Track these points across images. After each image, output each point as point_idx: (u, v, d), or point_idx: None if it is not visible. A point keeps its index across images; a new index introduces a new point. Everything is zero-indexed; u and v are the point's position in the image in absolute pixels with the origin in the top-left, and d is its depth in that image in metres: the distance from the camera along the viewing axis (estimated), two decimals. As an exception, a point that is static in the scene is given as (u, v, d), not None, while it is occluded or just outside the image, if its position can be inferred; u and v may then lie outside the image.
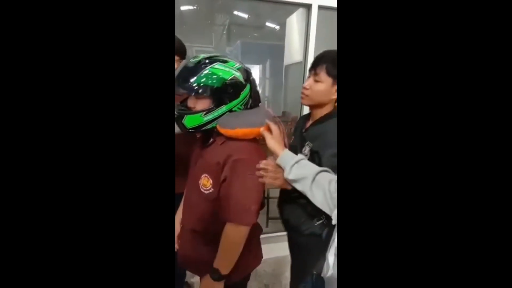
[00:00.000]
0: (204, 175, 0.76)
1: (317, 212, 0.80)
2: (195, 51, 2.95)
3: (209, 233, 0.79)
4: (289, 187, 0.77)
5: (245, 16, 3.21)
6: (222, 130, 0.73)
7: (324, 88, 0.81)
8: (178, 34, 1.10)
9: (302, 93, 0.86)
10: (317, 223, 0.85)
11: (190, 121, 0.73)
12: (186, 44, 1.10)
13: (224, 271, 0.75)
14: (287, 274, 1.00)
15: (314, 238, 0.86)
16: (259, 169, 0.73)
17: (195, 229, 0.82)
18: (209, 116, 0.72)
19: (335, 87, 0.80)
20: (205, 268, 0.78)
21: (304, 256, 0.92)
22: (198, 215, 0.80)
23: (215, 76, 0.70)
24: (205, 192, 0.76)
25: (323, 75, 0.80)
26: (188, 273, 1.41)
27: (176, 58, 1.05)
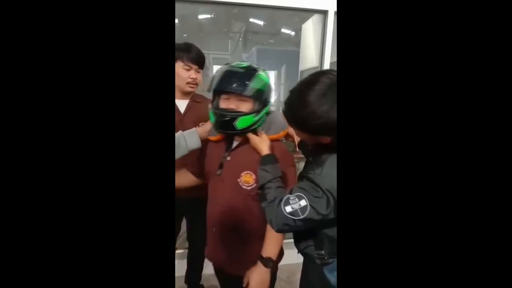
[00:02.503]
0: (246, 172, 0.83)
1: (318, 243, 0.80)
2: (212, 58, 3.02)
3: (248, 228, 0.86)
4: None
5: (261, 23, 3.26)
6: (272, 136, 0.84)
7: (307, 137, 0.73)
8: (196, 42, 1.13)
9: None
10: (316, 254, 0.81)
11: (243, 122, 0.79)
12: (204, 52, 1.13)
13: (274, 257, 0.82)
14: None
15: (313, 267, 0.83)
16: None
17: (233, 227, 0.86)
18: (258, 117, 0.81)
19: (320, 137, 0.70)
20: (244, 263, 0.84)
21: (308, 283, 0.89)
22: (238, 212, 0.85)
23: (262, 81, 0.80)
24: (248, 188, 0.83)
25: (296, 130, 0.73)
26: (203, 275, 1.42)
27: (195, 67, 1.08)
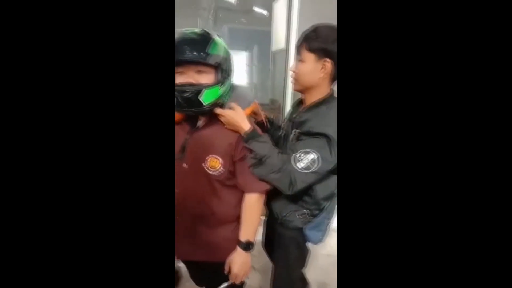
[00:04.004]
0: (213, 156, 0.75)
1: (301, 205, 0.83)
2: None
3: (217, 214, 0.81)
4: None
5: (233, 0, 3.12)
6: (247, 110, 0.77)
7: (309, 67, 0.76)
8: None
9: (292, 77, 0.83)
10: (299, 216, 0.84)
11: (209, 95, 0.68)
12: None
13: (253, 239, 0.80)
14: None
15: (295, 232, 0.86)
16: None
17: (199, 214, 0.81)
18: (223, 88, 0.71)
19: (320, 64, 0.75)
20: (218, 248, 0.82)
21: (286, 253, 0.92)
22: (206, 199, 0.79)
23: (222, 47, 0.70)
24: (214, 173, 0.76)
25: (304, 53, 0.76)
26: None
27: None
